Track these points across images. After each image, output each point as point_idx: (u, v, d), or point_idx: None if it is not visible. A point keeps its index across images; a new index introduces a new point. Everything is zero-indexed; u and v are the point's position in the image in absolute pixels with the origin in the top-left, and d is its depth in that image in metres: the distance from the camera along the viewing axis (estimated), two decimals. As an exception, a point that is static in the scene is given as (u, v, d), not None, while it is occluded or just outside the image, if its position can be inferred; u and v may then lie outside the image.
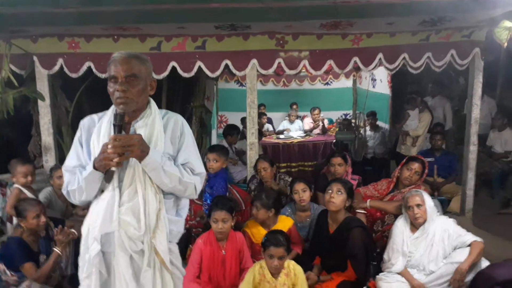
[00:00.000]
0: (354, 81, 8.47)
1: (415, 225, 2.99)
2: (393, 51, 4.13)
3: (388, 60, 4.16)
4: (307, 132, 7.19)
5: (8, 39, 3.79)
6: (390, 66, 4.23)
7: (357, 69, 7.20)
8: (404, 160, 3.62)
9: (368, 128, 6.17)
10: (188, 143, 1.93)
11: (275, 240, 2.65)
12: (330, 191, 3.03)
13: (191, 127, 2.55)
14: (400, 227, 3.02)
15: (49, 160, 4.09)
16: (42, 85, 4.00)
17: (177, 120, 1.94)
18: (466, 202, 4.28)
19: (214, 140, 6.98)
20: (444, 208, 4.10)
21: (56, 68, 3.95)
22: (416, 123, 5.61)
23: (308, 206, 3.53)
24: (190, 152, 1.92)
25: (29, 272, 2.76)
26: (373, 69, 4.37)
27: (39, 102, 4.02)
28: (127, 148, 1.67)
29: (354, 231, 2.90)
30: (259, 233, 3.15)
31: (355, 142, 5.61)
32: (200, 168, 1.93)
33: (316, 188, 3.75)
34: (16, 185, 3.45)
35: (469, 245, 2.86)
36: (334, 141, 6.25)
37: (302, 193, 3.44)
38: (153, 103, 1.91)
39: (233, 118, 7.66)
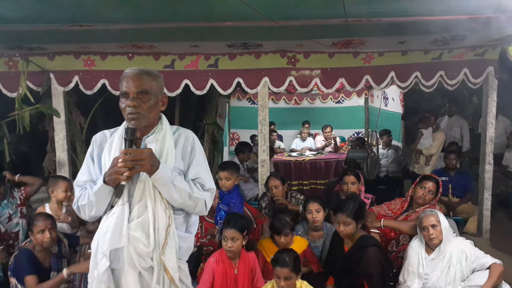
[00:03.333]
0: (366, 100, 8.46)
1: (430, 246, 2.92)
2: (405, 70, 4.13)
3: (400, 79, 4.14)
4: (319, 150, 7.15)
5: (26, 56, 3.89)
6: (402, 85, 4.22)
7: (369, 87, 7.21)
8: (418, 179, 3.56)
9: (381, 146, 6.12)
10: (199, 159, 1.93)
11: (281, 260, 2.62)
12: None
13: (203, 144, 2.56)
14: (415, 248, 2.95)
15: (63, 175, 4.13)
16: (58, 102, 4.07)
17: (188, 135, 1.95)
18: (483, 222, 4.17)
19: (226, 157, 6.98)
20: (460, 228, 4.00)
21: (72, 85, 4.02)
22: (430, 141, 5.54)
23: (321, 226, 3.48)
24: (201, 167, 1.92)
25: (30, 285, 2.73)
26: (385, 87, 4.36)
27: (55, 118, 4.09)
28: (137, 162, 1.67)
29: (369, 250, 2.83)
30: (273, 252, 3.08)
31: (368, 160, 5.55)
32: (210, 184, 1.92)
33: (329, 207, 3.69)
34: (46, 204, 3.41)
35: (488, 268, 2.77)
36: (345, 159, 6.19)
37: (316, 213, 3.39)
38: (164, 119, 1.92)
39: (245, 136, 7.69)
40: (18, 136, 4.46)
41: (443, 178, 4.23)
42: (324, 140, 7.52)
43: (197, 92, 4.10)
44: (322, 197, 4.01)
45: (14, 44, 3.58)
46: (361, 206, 3.07)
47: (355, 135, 8.38)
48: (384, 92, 7.10)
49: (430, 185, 3.44)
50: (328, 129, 7.40)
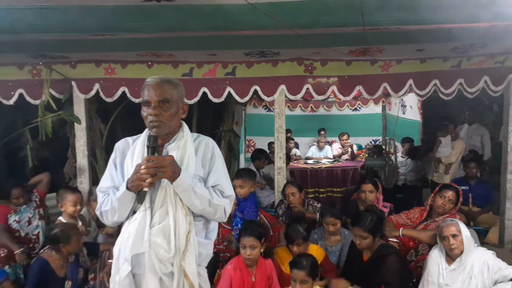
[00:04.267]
0: (383, 107, 8.40)
1: (451, 256, 2.86)
2: (424, 78, 4.09)
3: (418, 87, 4.11)
4: (336, 158, 7.11)
5: (49, 64, 4.00)
6: (420, 93, 4.18)
7: (386, 95, 7.16)
8: (438, 187, 3.51)
9: (400, 154, 6.05)
10: (218, 166, 1.95)
11: (298, 263, 2.65)
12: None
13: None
14: (435, 258, 2.89)
15: (83, 181, 4.21)
16: (79, 109, 4.16)
17: (208, 143, 1.98)
18: (505, 233, 4.07)
19: (242, 164, 7.01)
20: (481, 238, 3.92)
21: (93, 92, 4.11)
22: (449, 150, 5.45)
23: (339, 231, 3.46)
24: (220, 174, 1.94)
25: None
26: (403, 95, 4.33)
27: (76, 125, 4.18)
28: (159, 169, 1.70)
29: (389, 258, 2.80)
30: (288, 260, 3.06)
31: (385, 168, 5.50)
32: (229, 190, 1.94)
33: (346, 215, 3.67)
34: (60, 218, 3.44)
35: (511, 280, 2.70)
36: (362, 166, 6.15)
37: (333, 226, 3.39)
38: (185, 126, 1.96)
39: (261, 143, 7.71)
40: (40, 142, 4.57)
41: (463, 187, 4.15)
42: (340, 148, 7.48)
43: (215, 100, 4.14)
44: (339, 205, 4.00)
45: (38, 53, 3.68)
46: (379, 220, 3.05)
47: (372, 143, 8.31)
48: (402, 99, 7.05)
49: (450, 194, 3.38)
50: (345, 137, 7.36)
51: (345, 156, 7.27)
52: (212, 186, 1.89)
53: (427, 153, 5.82)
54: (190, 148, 1.87)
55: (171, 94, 1.84)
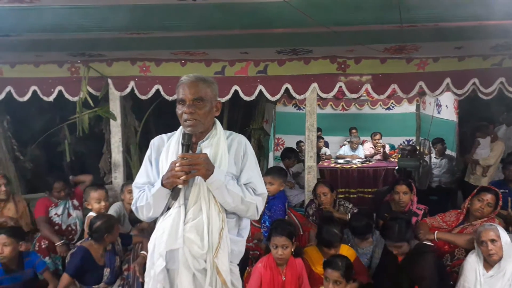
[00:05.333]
0: (418, 106, 8.17)
1: (489, 262, 2.75)
2: (462, 76, 3.96)
3: (456, 86, 3.98)
4: (367, 158, 6.99)
5: (87, 62, 4.13)
6: (458, 92, 4.04)
7: (421, 94, 6.96)
8: (475, 190, 3.38)
9: (434, 155, 5.87)
10: (251, 164, 1.96)
11: (333, 263, 2.65)
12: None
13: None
14: (472, 263, 2.79)
15: (117, 176, 4.33)
16: (115, 106, 4.28)
17: (241, 140, 1.99)
18: (547, 240, 3.88)
19: (271, 163, 7.00)
20: (521, 245, 3.74)
21: (128, 90, 4.22)
22: (487, 151, 5.24)
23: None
24: (253, 172, 1.94)
25: (62, 282, 2.89)
26: (439, 94, 4.19)
27: (111, 121, 4.30)
28: (193, 167, 1.73)
29: (425, 255, 2.74)
30: (319, 261, 3.05)
31: (419, 169, 5.35)
32: (262, 188, 1.94)
33: (379, 216, 3.60)
34: (90, 213, 3.55)
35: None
36: (397, 168, 6.01)
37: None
38: (218, 124, 1.97)
39: (290, 141, 7.67)
40: (77, 138, 4.73)
41: (502, 191, 3.95)
42: (372, 148, 7.34)
43: (246, 98, 4.16)
44: (369, 205, 3.92)
45: (76, 51, 3.81)
46: (408, 224, 2.98)
47: (405, 143, 8.11)
48: (437, 99, 6.82)
49: (489, 197, 3.25)
50: (377, 136, 7.21)
51: (377, 156, 7.14)
52: (245, 184, 1.90)
53: (464, 155, 5.62)
54: (223, 146, 1.89)
55: (206, 92, 1.85)
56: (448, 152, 6.18)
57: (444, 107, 6.85)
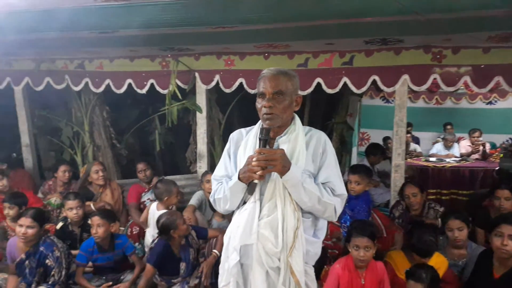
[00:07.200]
0: (526, 101, 7.25)
1: None
2: None
3: None
4: (464, 157, 6.39)
5: (176, 57, 4.33)
6: None
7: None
8: None
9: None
10: (330, 162, 1.87)
11: (417, 274, 2.46)
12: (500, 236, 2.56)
13: (331, 144, 2.47)
14: None
15: (202, 166, 4.50)
16: (201, 99, 4.44)
17: (320, 137, 1.91)
18: None
19: (354, 158, 6.75)
20: None
21: (213, 83, 4.34)
22: None
23: (464, 244, 3.07)
24: (332, 171, 1.86)
25: (147, 272, 3.03)
26: (557, 87, 3.64)
27: (197, 113, 4.48)
28: (270, 162, 1.69)
29: None
30: (404, 266, 2.83)
31: (526, 172, 4.74)
32: (341, 189, 1.85)
33: (475, 224, 3.24)
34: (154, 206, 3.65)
35: None
36: (497, 168, 5.40)
37: (458, 232, 3.00)
38: (297, 119, 1.91)
39: (376, 136, 7.32)
40: (167, 129, 5.01)
41: None
42: (470, 146, 6.68)
43: (329, 91, 4.02)
44: (465, 211, 3.55)
45: (167, 46, 4.01)
46: None
47: (509, 141, 7.26)
48: (552, 92, 5.97)
49: None
50: (477, 134, 6.55)
51: (475, 156, 6.48)
52: (323, 183, 1.82)
53: None
54: (301, 142, 1.83)
55: (286, 86, 1.81)
56: None
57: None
